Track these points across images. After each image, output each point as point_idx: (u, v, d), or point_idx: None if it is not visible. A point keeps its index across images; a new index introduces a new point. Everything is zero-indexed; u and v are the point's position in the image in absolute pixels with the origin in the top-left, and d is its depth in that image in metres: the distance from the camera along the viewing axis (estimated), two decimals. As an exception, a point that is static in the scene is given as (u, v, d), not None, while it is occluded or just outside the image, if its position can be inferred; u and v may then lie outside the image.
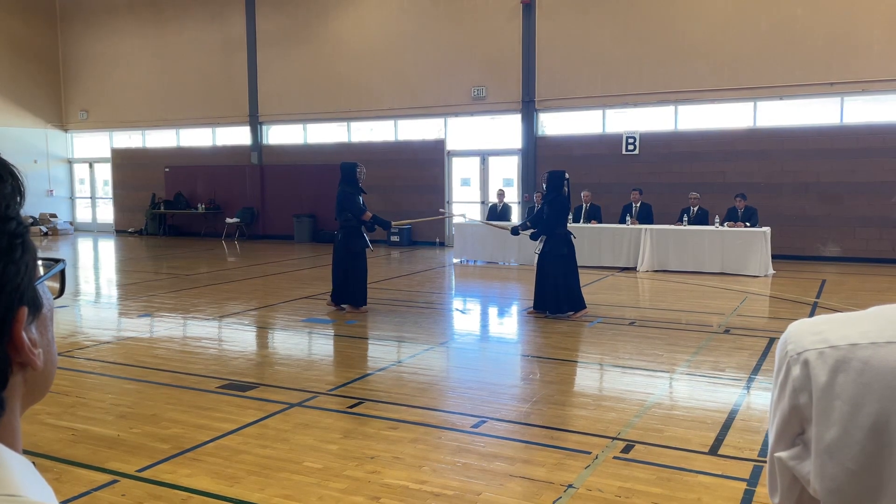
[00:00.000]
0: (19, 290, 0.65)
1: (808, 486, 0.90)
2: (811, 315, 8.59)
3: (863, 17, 13.25)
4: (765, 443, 4.40)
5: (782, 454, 0.93)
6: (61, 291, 0.76)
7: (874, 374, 0.85)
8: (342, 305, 8.89)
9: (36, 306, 0.69)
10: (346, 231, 8.83)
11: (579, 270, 8.93)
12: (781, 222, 13.49)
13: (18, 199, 0.67)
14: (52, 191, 22.28)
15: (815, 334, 0.91)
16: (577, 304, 8.60)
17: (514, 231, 9.61)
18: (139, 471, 4.04)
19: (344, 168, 8.97)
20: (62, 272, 0.75)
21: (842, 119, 13.85)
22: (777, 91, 14.04)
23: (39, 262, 0.70)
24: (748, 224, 12.33)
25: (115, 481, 3.90)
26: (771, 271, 12.01)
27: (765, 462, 4.08)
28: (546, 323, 8.37)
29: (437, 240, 17.17)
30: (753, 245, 12.00)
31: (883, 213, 13.37)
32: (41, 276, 0.70)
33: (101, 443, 4.48)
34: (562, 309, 8.51)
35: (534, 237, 8.88)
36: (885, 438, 0.84)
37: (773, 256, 12.29)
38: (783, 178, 13.99)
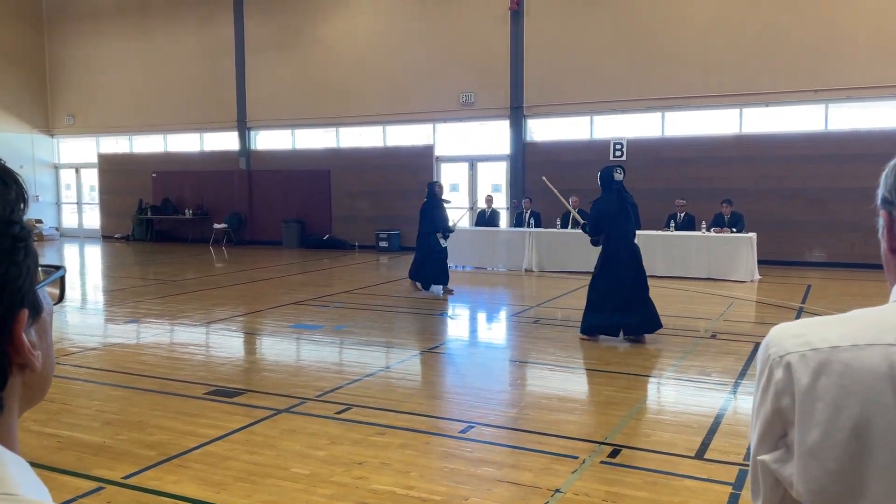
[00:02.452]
0: (21, 292, 0.67)
1: (790, 489, 0.90)
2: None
3: (847, 25, 13.40)
4: (750, 447, 4.43)
5: (765, 457, 0.93)
6: (61, 297, 0.78)
7: (855, 376, 0.86)
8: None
9: (36, 309, 0.71)
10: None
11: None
12: (767, 228, 13.58)
13: (22, 204, 0.69)
14: (37, 196, 22.11)
15: (796, 337, 0.92)
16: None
17: (584, 228, 8.57)
18: (125, 478, 4.01)
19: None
20: (62, 279, 0.77)
21: (826, 125, 13.98)
22: (763, 98, 14.16)
23: (39, 269, 0.72)
24: (734, 230, 12.42)
25: (100, 488, 3.87)
26: (757, 276, 12.10)
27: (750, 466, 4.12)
28: (533, 328, 8.39)
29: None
30: (739, 250, 12.08)
31: (868, 219, 13.32)
32: (42, 281, 0.72)
33: (86, 449, 4.45)
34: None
35: (593, 244, 8.02)
36: (866, 439, 0.85)
37: (759, 261, 12.37)
38: (769, 183, 14.11)
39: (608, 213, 7.57)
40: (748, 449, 4.19)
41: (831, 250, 13.82)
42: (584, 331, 7.64)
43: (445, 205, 11.30)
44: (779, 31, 13.86)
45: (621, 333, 7.53)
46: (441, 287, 10.99)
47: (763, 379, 0.94)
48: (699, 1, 14.53)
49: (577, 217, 9.97)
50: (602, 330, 7.55)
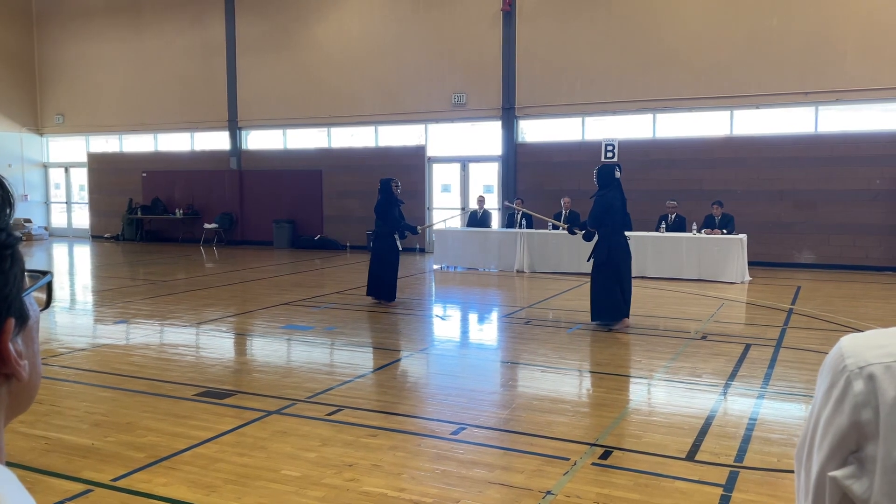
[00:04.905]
0: (7, 301, 0.65)
1: None
2: (787, 321, 8.69)
3: (836, 29, 13.48)
4: (741, 449, 4.45)
5: (836, 473, 0.89)
6: (48, 303, 0.75)
7: None
8: None
9: (23, 318, 0.69)
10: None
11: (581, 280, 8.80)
12: (757, 229, 13.65)
13: (8, 210, 0.66)
14: (26, 195, 21.96)
15: (878, 348, 0.87)
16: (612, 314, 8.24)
17: (571, 230, 9.69)
18: (114, 480, 3.98)
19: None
20: (49, 284, 0.75)
21: (816, 128, 14.06)
22: (753, 100, 14.22)
23: (26, 274, 0.70)
24: (725, 231, 12.47)
25: (89, 491, 3.84)
26: (747, 278, 12.15)
27: (741, 468, 4.13)
28: (524, 329, 8.40)
29: (418, 246, 17.16)
30: (730, 252, 12.13)
31: (857, 221, 13.58)
32: (28, 288, 0.70)
33: (74, 452, 4.42)
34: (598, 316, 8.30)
35: (585, 238, 8.69)
36: None
37: (750, 263, 12.43)
38: (759, 185, 14.17)
39: (615, 207, 8.17)
40: (739, 451, 4.16)
41: (820, 252, 13.90)
42: (597, 318, 8.25)
43: (401, 205, 10.22)
44: (769, 34, 13.93)
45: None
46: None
47: (837, 391, 0.88)
48: (690, 3, 14.59)
49: (560, 224, 10.53)
50: (614, 315, 8.15)
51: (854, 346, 0.89)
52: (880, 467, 0.84)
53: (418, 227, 10.69)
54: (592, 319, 8.34)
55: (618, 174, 8.32)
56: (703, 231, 12.60)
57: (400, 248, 10.00)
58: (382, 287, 9.76)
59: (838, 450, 0.88)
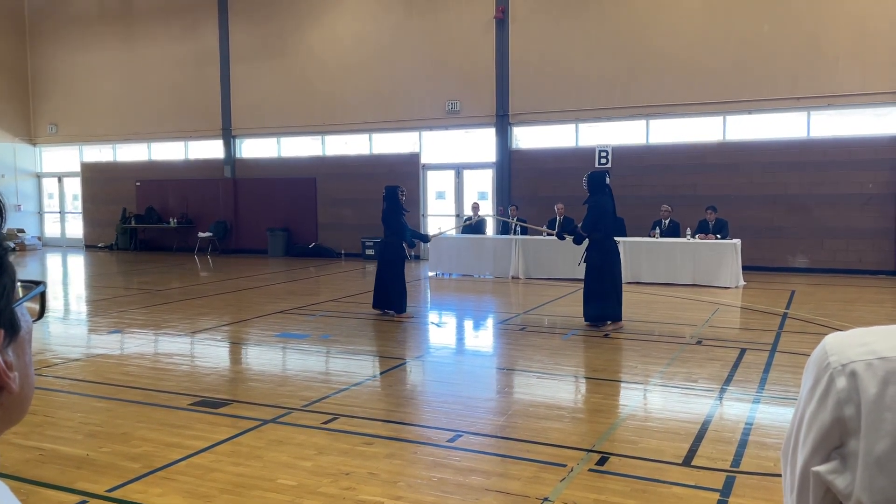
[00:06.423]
0: None
1: (845, 501, 0.88)
2: (781, 325, 8.71)
3: (828, 34, 13.57)
4: (737, 453, 4.45)
5: (820, 468, 0.91)
6: (41, 314, 0.75)
7: None
8: None
9: (13, 329, 0.68)
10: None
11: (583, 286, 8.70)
12: (751, 234, 13.70)
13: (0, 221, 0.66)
14: (19, 206, 21.91)
15: (860, 346, 0.89)
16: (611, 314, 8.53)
17: (559, 236, 10.05)
18: (109, 491, 3.96)
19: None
20: (42, 294, 0.74)
21: (809, 132, 14.13)
22: (746, 105, 14.29)
23: (18, 284, 0.69)
24: (719, 236, 12.50)
25: (84, 502, 3.82)
26: (741, 282, 12.18)
27: (737, 473, 4.13)
28: (520, 336, 8.39)
29: (412, 252, 17.15)
30: (724, 257, 12.16)
31: (850, 225, 13.64)
32: (20, 299, 0.69)
33: (69, 462, 4.39)
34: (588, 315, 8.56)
35: (575, 242, 8.92)
36: None
37: (744, 268, 12.47)
38: (752, 190, 14.23)
39: (608, 212, 8.43)
40: (735, 455, 4.16)
41: (814, 256, 13.95)
42: (592, 319, 8.49)
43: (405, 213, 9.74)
44: (762, 40, 14.02)
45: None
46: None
47: (820, 388, 0.91)
48: (683, 10, 14.67)
49: (548, 231, 10.98)
50: (609, 317, 8.44)
51: (837, 344, 0.91)
52: (862, 462, 0.86)
53: (429, 235, 10.58)
54: (587, 321, 8.49)
55: (608, 180, 8.59)
56: (697, 236, 12.64)
57: (408, 257, 9.65)
58: (390, 298, 9.46)
59: (822, 445, 0.90)
